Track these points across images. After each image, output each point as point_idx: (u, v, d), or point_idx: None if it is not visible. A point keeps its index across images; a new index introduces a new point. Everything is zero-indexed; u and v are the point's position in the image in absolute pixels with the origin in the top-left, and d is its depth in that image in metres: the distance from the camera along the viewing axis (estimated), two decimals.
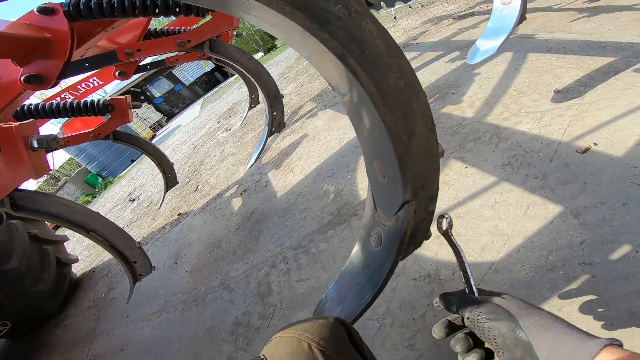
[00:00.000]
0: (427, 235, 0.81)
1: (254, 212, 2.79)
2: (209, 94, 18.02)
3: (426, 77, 3.20)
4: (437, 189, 0.71)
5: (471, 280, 0.72)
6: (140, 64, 3.06)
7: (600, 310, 1.05)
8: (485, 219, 1.53)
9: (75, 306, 3.28)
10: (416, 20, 5.74)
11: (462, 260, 0.74)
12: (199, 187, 4.30)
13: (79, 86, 4.22)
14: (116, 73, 2.75)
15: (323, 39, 0.48)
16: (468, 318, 0.64)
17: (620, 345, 0.50)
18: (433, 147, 0.64)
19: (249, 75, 2.65)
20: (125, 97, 2.80)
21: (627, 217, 1.23)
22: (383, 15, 7.61)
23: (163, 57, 3.03)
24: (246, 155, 4.16)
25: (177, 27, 2.76)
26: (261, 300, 1.88)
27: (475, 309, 0.63)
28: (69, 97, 4.20)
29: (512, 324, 0.57)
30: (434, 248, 1.54)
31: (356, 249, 0.95)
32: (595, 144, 1.55)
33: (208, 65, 20.43)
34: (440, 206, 1.70)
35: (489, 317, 0.60)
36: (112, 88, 18.54)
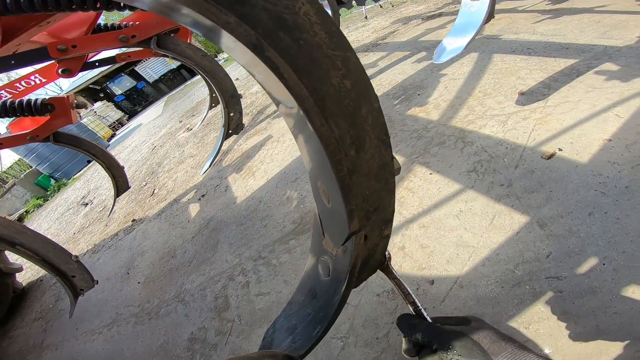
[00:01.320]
0: (383, 261, 0.69)
1: (212, 220, 2.60)
2: (173, 92, 17.36)
3: (393, 78, 3.14)
4: (393, 211, 0.59)
5: (422, 311, 0.68)
6: (90, 60, 2.79)
7: (568, 327, 1.00)
8: (450, 229, 1.45)
9: (22, 317, 3.00)
10: (386, 20, 5.76)
11: (407, 292, 0.70)
12: (155, 191, 4.02)
13: (17, 84, 3.79)
14: (59, 70, 2.47)
15: (226, 23, 0.33)
16: (437, 353, 0.59)
17: None
18: (387, 164, 0.51)
19: (201, 74, 2.45)
20: (67, 96, 2.53)
21: (593, 228, 1.19)
22: (354, 15, 7.60)
23: (113, 53, 2.78)
24: (206, 157, 3.94)
25: (131, 22, 2.53)
26: (218, 315, 1.74)
27: (446, 345, 0.58)
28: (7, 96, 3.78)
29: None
30: (397, 261, 1.45)
31: (305, 274, 0.82)
32: (560, 150, 1.52)
33: (174, 62, 19.62)
34: (404, 215, 1.62)
35: (461, 354, 0.55)
36: (69, 85, 17.33)
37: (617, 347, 0.91)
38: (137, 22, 2.46)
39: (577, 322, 1.00)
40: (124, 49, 2.73)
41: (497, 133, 1.80)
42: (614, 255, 1.10)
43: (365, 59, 4.13)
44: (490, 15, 1.77)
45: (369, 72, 3.61)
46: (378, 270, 0.77)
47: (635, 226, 1.14)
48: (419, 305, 0.68)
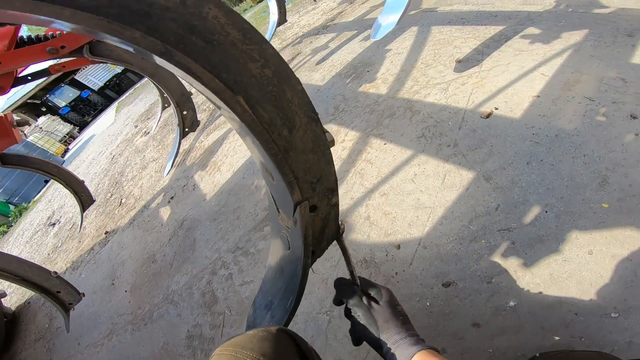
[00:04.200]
0: (338, 229, 0.77)
1: (185, 220, 2.60)
2: (123, 97, 16.45)
3: (343, 58, 3.20)
4: (335, 180, 0.66)
5: (356, 278, 0.86)
6: (21, 74, 2.63)
7: (525, 278, 1.10)
8: (408, 193, 1.56)
9: (22, 340, 2.94)
10: (334, 0, 5.73)
11: (349, 262, 0.86)
12: (123, 201, 3.91)
13: None
14: None
15: (132, 38, 0.38)
16: (351, 314, 0.82)
17: (435, 350, 0.67)
18: (320, 137, 0.58)
19: (146, 76, 2.39)
20: (6, 115, 2.39)
21: (532, 176, 1.32)
22: None
23: (47, 65, 2.62)
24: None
25: (58, 32, 2.38)
26: (209, 310, 1.79)
27: (356, 312, 0.80)
28: None
29: (375, 330, 0.75)
30: (365, 231, 1.55)
31: (271, 252, 0.89)
32: (496, 109, 1.66)
33: (118, 67, 18.49)
34: (366, 185, 1.72)
35: (363, 322, 0.77)
36: (4, 103, 15.97)
37: (572, 296, 1.00)
38: (65, 32, 2.34)
39: (532, 272, 1.10)
40: (55, 60, 2.59)
41: (440, 100, 1.92)
42: (554, 202, 1.21)
43: (316, 42, 4.15)
44: None
45: (321, 54, 3.64)
46: (354, 237, 0.89)
47: (568, 170, 1.27)
48: (355, 273, 0.86)
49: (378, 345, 0.73)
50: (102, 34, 0.37)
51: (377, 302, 0.79)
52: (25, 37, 2.26)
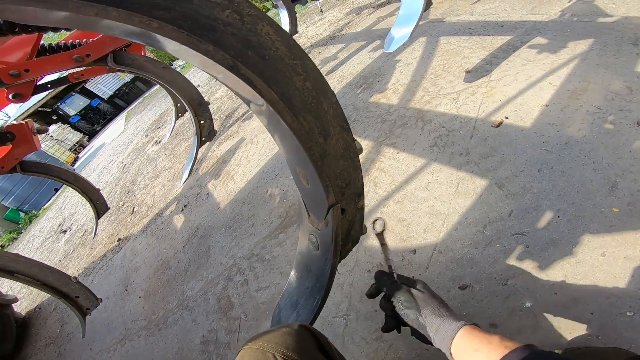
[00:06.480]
0: (362, 231, 0.82)
1: (199, 227, 2.64)
2: (132, 106, 16.77)
3: (353, 68, 3.27)
4: (362, 185, 0.71)
5: (394, 270, 0.93)
6: (40, 82, 2.71)
7: (540, 280, 1.13)
8: (422, 200, 1.60)
9: (32, 345, 2.96)
10: (340, 11, 5.86)
11: (388, 257, 0.93)
12: (135, 209, 3.96)
13: None
14: (10, 96, 2.40)
15: (206, 51, 0.43)
16: (392, 301, 0.86)
17: (477, 326, 0.72)
18: (350, 145, 0.64)
19: (165, 85, 2.47)
20: (26, 122, 2.46)
21: (544, 183, 1.36)
22: (310, 10, 7.64)
23: (65, 73, 2.71)
24: (181, 168, 3.93)
25: (78, 40, 2.47)
26: (224, 315, 1.80)
27: (398, 297, 0.85)
28: None
29: (417, 312, 0.80)
30: None
31: (299, 254, 0.93)
32: (507, 118, 1.70)
33: (127, 76, 18.84)
34: (380, 193, 1.76)
35: (404, 305, 0.83)
36: (16, 111, 16.28)
37: (587, 296, 1.03)
38: (90, 40, 2.41)
39: (547, 274, 1.12)
40: (77, 68, 2.67)
41: (451, 109, 1.97)
42: (566, 207, 1.24)
43: (325, 52, 4.23)
44: (428, 3, 1.91)
45: (331, 64, 3.72)
46: (369, 243, 0.92)
47: (578, 177, 1.30)
48: (393, 266, 0.93)
49: (421, 325, 0.79)
50: (176, 45, 0.42)
51: (415, 288, 0.86)
52: (46, 45, 2.36)
